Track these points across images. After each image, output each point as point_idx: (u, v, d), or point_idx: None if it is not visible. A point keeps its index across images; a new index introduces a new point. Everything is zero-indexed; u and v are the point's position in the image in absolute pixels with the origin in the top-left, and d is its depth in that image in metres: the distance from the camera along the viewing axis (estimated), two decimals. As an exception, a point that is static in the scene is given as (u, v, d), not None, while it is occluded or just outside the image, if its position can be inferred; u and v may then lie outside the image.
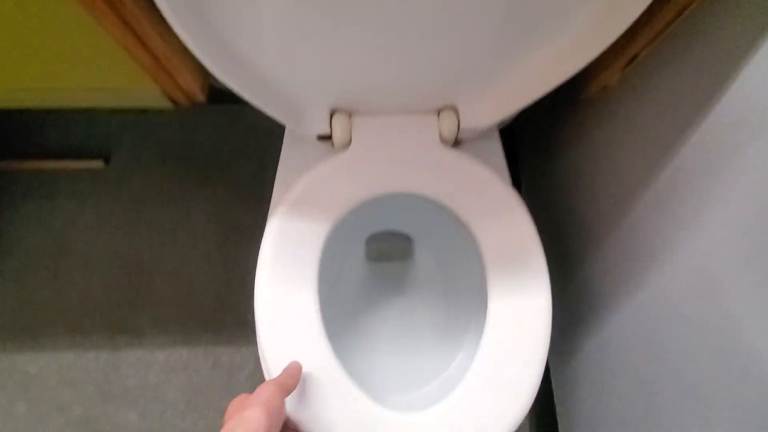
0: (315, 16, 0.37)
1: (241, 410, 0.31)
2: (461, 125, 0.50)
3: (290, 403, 0.39)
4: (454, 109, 0.51)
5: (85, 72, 0.47)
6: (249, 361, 0.81)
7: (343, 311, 0.64)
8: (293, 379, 0.37)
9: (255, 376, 0.81)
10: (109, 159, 0.92)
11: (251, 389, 0.33)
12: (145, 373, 0.80)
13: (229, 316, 0.84)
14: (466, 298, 0.58)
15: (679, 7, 0.38)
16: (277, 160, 0.55)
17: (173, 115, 0.96)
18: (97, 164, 0.90)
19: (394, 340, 0.63)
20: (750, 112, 0.34)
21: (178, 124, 0.95)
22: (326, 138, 0.51)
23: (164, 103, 0.52)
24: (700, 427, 0.39)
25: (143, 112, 0.96)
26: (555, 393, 0.73)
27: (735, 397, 0.35)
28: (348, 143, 0.51)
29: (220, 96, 0.66)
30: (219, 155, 0.94)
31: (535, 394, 0.42)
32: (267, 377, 0.42)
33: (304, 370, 0.40)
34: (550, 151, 0.74)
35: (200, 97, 0.53)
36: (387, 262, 0.70)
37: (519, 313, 0.44)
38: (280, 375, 0.37)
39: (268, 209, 0.51)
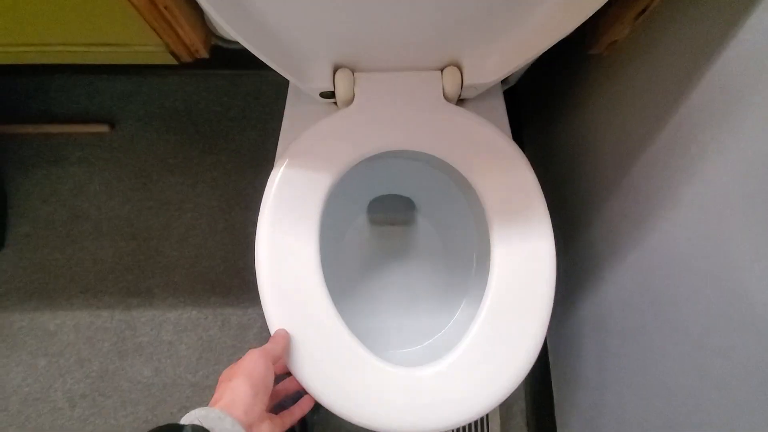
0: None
1: (227, 380, 0.34)
2: (465, 82, 0.49)
3: (291, 360, 0.41)
4: (458, 66, 0.50)
5: (89, 27, 0.47)
6: (256, 321, 0.84)
7: (346, 271, 0.65)
8: (280, 345, 0.40)
9: (261, 335, 0.84)
10: (114, 125, 0.92)
11: (259, 345, 0.36)
12: (158, 331, 0.84)
13: (236, 279, 0.87)
14: (466, 260, 0.59)
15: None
16: (281, 122, 0.55)
17: (176, 81, 0.95)
18: (102, 129, 0.91)
19: (395, 299, 0.64)
20: (753, 60, 0.34)
21: (181, 91, 0.95)
22: (329, 95, 0.51)
23: (167, 59, 0.52)
24: (697, 378, 0.41)
25: (146, 76, 0.95)
26: (550, 356, 0.75)
27: (733, 347, 0.36)
28: (351, 100, 0.51)
29: (223, 58, 0.66)
30: (222, 123, 0.94)
31: (542, 342, 0.43)
32: (269, 326, 0.43)
33: (302, 320, 0.42)
34: (555, 111, 0.73)
35: (203, 52, 0.52)
36: (390, 226, 0.71)
37: (524, 262, 0.45)
38: (267, 343, 0.40)
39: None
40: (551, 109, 0.75)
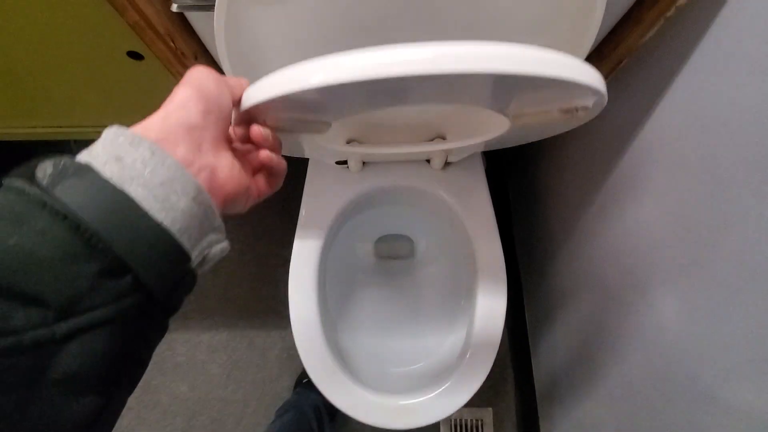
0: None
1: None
2: (449, 157, 0.63)
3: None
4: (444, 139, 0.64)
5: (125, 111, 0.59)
6: (277, 342, 0.96)
7: (356, 299, 0.78)
8: (238, 83, 0.27)
9: (282, 356, 0.96)
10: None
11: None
12: (193, 352, 0.96)
13: (261, 304, 0.99)
14: (455, 293, 0.72)
15: (611, 66, 0.50)
16: (304, 175, 0.69)
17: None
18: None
19: (397, 324, 0.76)
20: (655, 142, 0.47)
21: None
22: (343, 162, 0.65)
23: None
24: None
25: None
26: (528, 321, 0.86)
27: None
28: (362, 166, 0.65)
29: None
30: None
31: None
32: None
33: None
34: (531, 157, 0.86)
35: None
36: (393, 260, 0.83)
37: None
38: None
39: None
40: (527, 156, 0.88)
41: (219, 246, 0.22)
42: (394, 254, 0.83)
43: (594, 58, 0.52)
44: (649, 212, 0.49)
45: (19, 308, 0.15)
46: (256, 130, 0.27)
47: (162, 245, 0.18)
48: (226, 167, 0.23)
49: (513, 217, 0.98)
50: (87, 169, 0.18)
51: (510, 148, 0.98)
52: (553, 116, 0.32)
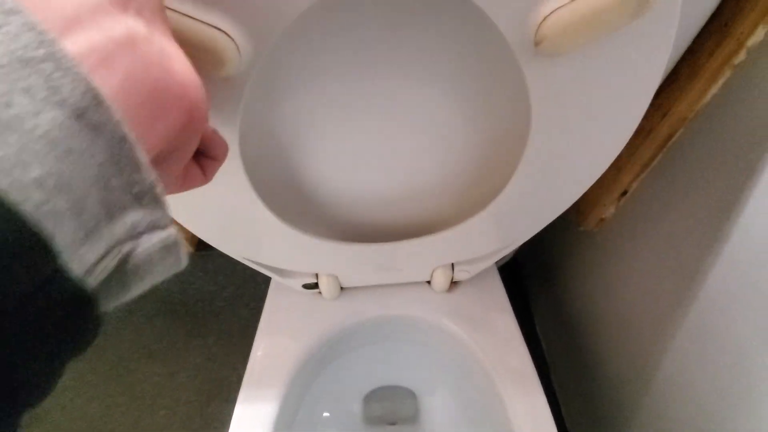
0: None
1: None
2: (454, 277, 0.47)
3: None
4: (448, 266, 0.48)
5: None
6: None
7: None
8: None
9: None
10: (103, 311, 0.89)
11: None
12: None
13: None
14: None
15: (659, 142, 0.38)
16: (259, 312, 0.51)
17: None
18: (89, 317, 0.87)
19: None
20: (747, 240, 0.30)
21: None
22: (313, 286, 0.48)
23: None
24: None
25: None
26: None
27: None
28: (338, 295, 0.47)
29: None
30: (215, 303, 0.91)
31: None
32: None
33: None
34: (559, 282, 0.69)
35: (188, 247, 0.52)
36: (390, 425, 0.59)
37: None
38: None
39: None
40: (555, 280, 0.71)
41: (157, 237, 0.11)
42: (390, 417, 0.59)
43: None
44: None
45: None
46: None
47: None
48: (180, 62, 0.12)
49: (546, 353, 0.76)
50: None
51: (530, 257, 0.81)
52: (603, 4, 0.19)
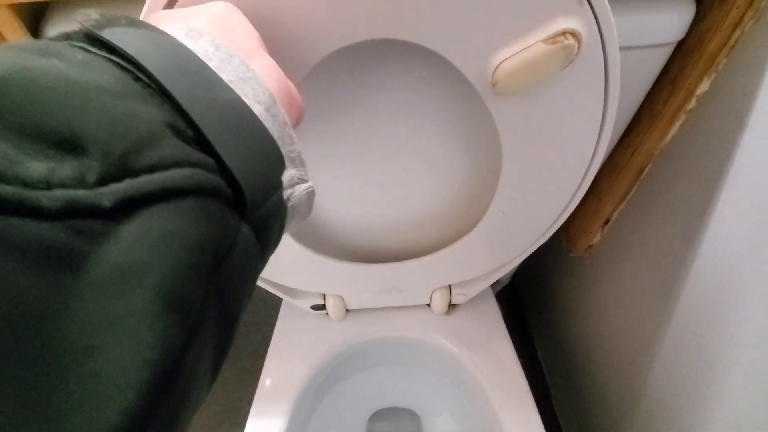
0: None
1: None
2: (452, 300, 0.51)
3: None
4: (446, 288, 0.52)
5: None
6: None
7: None
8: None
9: None
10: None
11: None
12: None
13: None
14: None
15: (632, 176, 0.43)
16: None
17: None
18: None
19: None
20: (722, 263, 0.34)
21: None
22: (320, 308, 0.52)
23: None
24: None
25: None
26: None
27: None
28: (344, 314, 0.51)
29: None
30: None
31: None
32: None
33: None
34: (555, 307, 0.72)
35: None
36: (394, 447, 0.60)
37: None
38: None
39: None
40: (551, 305, 0.74)
41: (303, 187, 0.16)
42: (394, 439, 0.61)
43: (606, 169, 0.45)
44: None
45: (38, 155, 0.08)
46: None
47: (250, 132, 0.13)
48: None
49: (547, 378, 0.77)
50: (144, 24, 0.13)
51: (528, 284, 0.84)
52: (539, 54, 0.24)
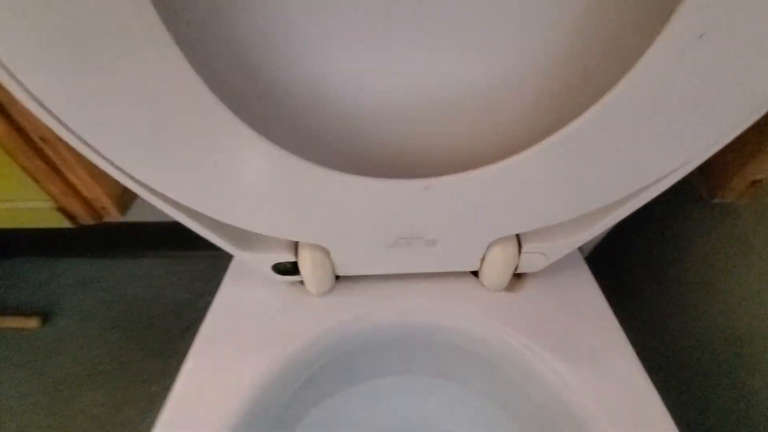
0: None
1: None
2: (519, 265, 0.28)
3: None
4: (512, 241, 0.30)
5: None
6: None
7: None
8: None
9: None
10: (47, 317, 0.72)
11: None
12: None
13: None
14: None
15: None
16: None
17: (147, 264, 0.80)
18: (30, 323, 0.70)
19: None
20: None
21: (148, 276, 0.78)
22: (289, 271, 0.30)
23: (58, 220, 0.34)
24: None
25: (115, 258, 0.80)
26: None
27: None
28: (330, 288, 0.29)
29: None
30: (186, 314, 0.73)
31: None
32: None
33: None
34: (663, 282, 0.48)
35: (114, 211, 0.35)
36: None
37: None
38: None
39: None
40: (666, 282, 0.50)
41: None
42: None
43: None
44: None
45: None
46: None
47: None
48: None
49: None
50: None
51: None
52: None
